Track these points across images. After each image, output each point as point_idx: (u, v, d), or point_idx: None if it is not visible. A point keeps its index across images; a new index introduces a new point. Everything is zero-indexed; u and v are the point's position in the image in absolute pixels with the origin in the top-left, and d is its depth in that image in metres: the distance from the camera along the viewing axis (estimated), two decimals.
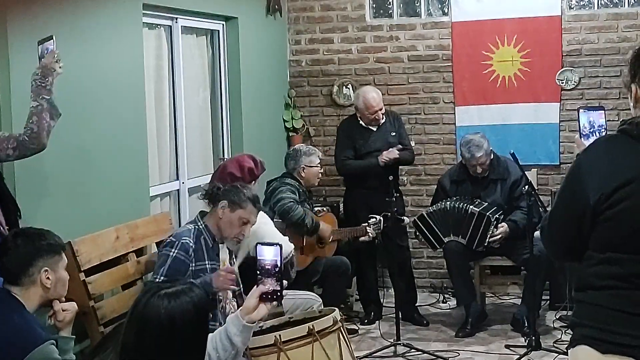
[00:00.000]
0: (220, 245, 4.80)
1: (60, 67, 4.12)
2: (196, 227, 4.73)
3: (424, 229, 6.65)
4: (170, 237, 4.71)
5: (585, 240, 2.59)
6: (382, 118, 6.84)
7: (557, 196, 2.71)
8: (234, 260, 4.91)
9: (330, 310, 4.41)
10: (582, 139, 3.07)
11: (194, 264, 4.61)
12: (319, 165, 6.47)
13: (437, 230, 6.58)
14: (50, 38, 4.16)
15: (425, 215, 6.64)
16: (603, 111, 3.16)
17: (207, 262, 4.67)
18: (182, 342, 2.40)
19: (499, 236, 6.42)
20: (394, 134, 6.92)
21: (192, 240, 4.63)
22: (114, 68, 5.25)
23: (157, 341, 2.37)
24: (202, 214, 4.83)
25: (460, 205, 6.47)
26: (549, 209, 2.79)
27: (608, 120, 3.14)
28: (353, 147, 6.95)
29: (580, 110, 3.14)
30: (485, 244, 6.46)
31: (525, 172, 6.25)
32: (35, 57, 4.34)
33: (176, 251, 4.57)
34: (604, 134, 3.05)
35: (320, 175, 6.54)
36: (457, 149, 7.62)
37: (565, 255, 2.78)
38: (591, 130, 3.11)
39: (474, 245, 6.47)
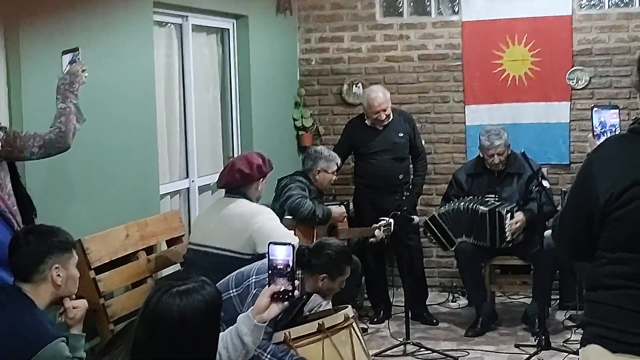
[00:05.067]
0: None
1: (85, 77, 4.27)
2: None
3: (435, 230, 6.62)
4: None
5: (595, 239, 2.59)
6: (386, 119, 6.81)
7: (568, 195, 2.71)
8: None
9: (343, 307, 4.40)
10: (595, 138, 3.07)
11: None
12: (334, 173, 6.47)
13: (448, 231, 6.57)
14: (77, 49, 4.31)
15: (437, 216, 6.61)
16: (617, 110, 3.14)
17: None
18: (194, 340, 2.40)
19: (518, 224, 6.38)
20: (401, 134, 6.90)
21: None
22: (124, 66, 5.26)
23: (168, 339, 2.37)
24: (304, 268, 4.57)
25: (471, 206, 6.45)
26: (559, 208, 2.78)
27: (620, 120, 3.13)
28: (349, 147, 7.02)
29: (594, 109, 3.13)
30: (507, 239, 6.42)
31: (536, 171, 6.24)
32: (44, 57, 4.42)
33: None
34: (616, 133, 3.04)
35: (334, 180, 6.55)
36: (467, 148, 7.61)
37: (576, 254, 2.78)
38: (602, 130, 3.10)
39: (496, 244, 6.45)
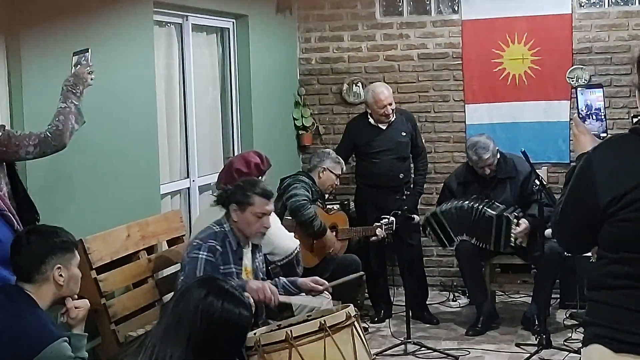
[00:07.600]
0: (244, 250, 4.72)
1: (91, 79, 4.26)
2: (222, 229, 4.63)
3: (436, 227, 6.59)
4: (196, 240, 4.60)
5: (597, 235, 2.60)
6: (392, 114, 6.80)
7: (568, 192, 2.68)
8: (258, 264, 4.87)
9: (345, 306, 4.40)
10: (582, 120, 3.07)
11: (222, 267, 4.55)
12: (339, 175, 6.46)
13: (449, 228, 6.55)
14: (86, 50, 4.33)
15: (438, 213, 6.57)
16: (601, 90, 3.14)
17: (232, 266, 4.60)
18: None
19: (524, 231, 6.32)
20: (404, 133, 6.88)
21: (217, 243, 4.55)
22: (124, 66, 5.26)
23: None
24: (229, 215, 4.71)
25: (477, 207, 6.41)
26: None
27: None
28: (353, 147, 6.97)
29: (578, 90, 3.14)
30: (512, 244, 6.39)
31: (536, 170, 6.23)
32: (45, 57, 4.42)
33: (205, 254, 4.49)
34: (602, 116, 3.05)
35: (335, 186, 6.54)
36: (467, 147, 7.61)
37: (579, 249, 2.82)
38: (588, 113, 3.11)
39: (500, 249, 6.42)
